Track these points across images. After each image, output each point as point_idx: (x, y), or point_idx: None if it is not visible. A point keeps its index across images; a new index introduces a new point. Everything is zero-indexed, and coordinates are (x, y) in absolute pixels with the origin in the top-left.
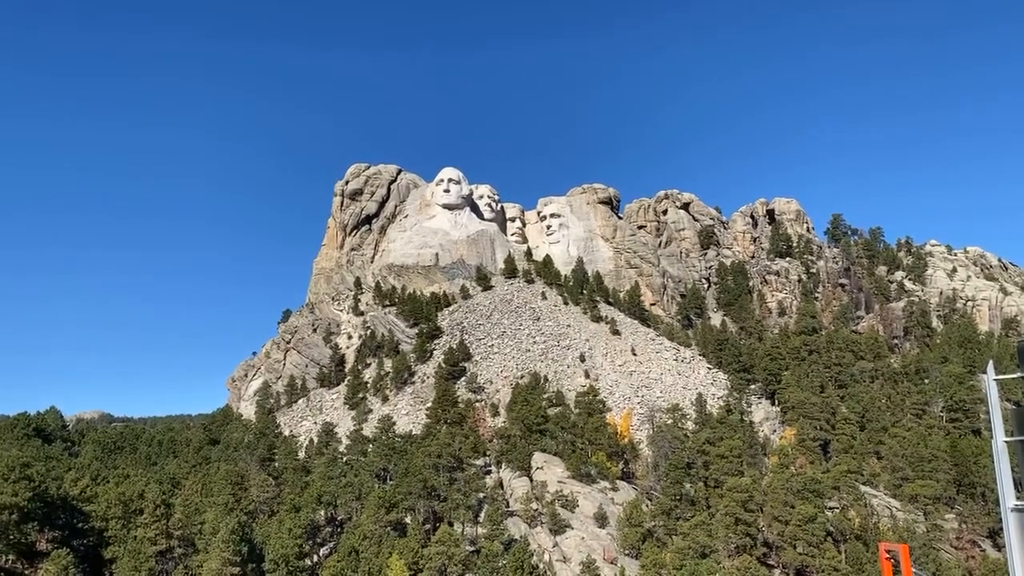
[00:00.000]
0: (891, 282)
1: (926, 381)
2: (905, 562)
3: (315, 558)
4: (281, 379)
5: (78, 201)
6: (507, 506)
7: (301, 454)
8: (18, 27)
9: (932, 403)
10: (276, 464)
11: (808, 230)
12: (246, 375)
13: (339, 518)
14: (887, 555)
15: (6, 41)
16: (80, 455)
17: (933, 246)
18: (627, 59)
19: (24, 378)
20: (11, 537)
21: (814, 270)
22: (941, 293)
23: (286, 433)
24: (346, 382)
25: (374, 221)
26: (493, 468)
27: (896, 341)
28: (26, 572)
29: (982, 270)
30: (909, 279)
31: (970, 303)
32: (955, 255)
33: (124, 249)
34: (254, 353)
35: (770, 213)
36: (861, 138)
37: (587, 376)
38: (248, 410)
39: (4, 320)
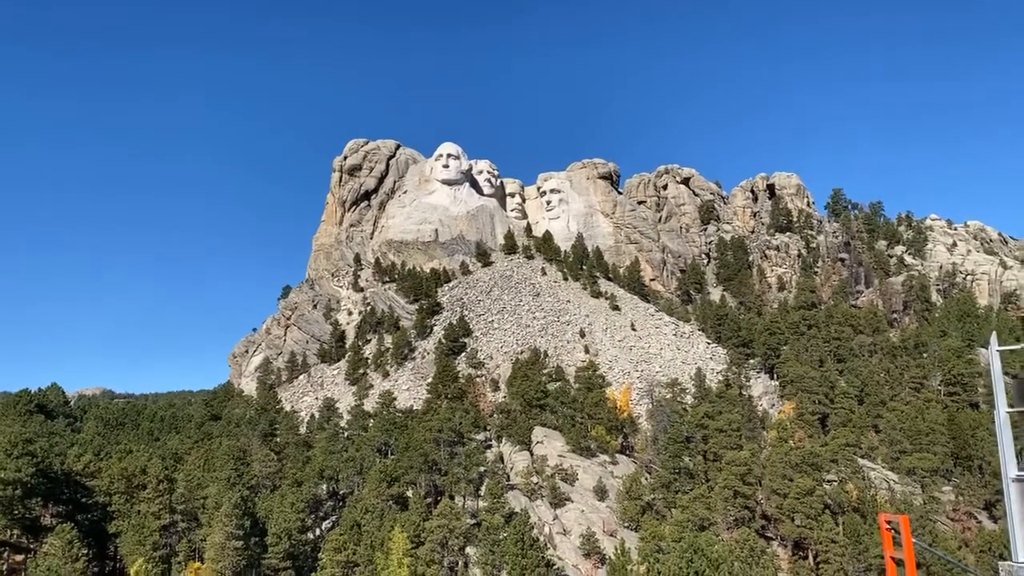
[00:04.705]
0: (891, 256)
1: (925, 355)
2: (906, 533)
3: (317, 532)
4: (282, 355)
5: (75, 178)
6: (508, 480)
7: (302, 429)
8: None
9: (931, 377)
10: (278, 439)
11: (808, 205)
12: (247, 351)
13: (341, 492)
14: (887, 526)
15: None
16: (82, 431)
17: (933, 220)
18: (625, 32)
19: (26, 355)
20: (15, 512)
21: (814, 245)
22: (941, 267)
23: (287, 408)
24: (347, 358)
25: (373, 197)
26: (493, 442)
27: (895, 315)
28: (31, 546)
29: (982, 244)
30: (909, 253)
31: (970, 277)
32: (955, 229)
33: (124, 226)
34: (255, 329)
35: (770, 188)
36: (862, 112)
37: (587, 351)
38: (249, 386)
39: (6, 298)
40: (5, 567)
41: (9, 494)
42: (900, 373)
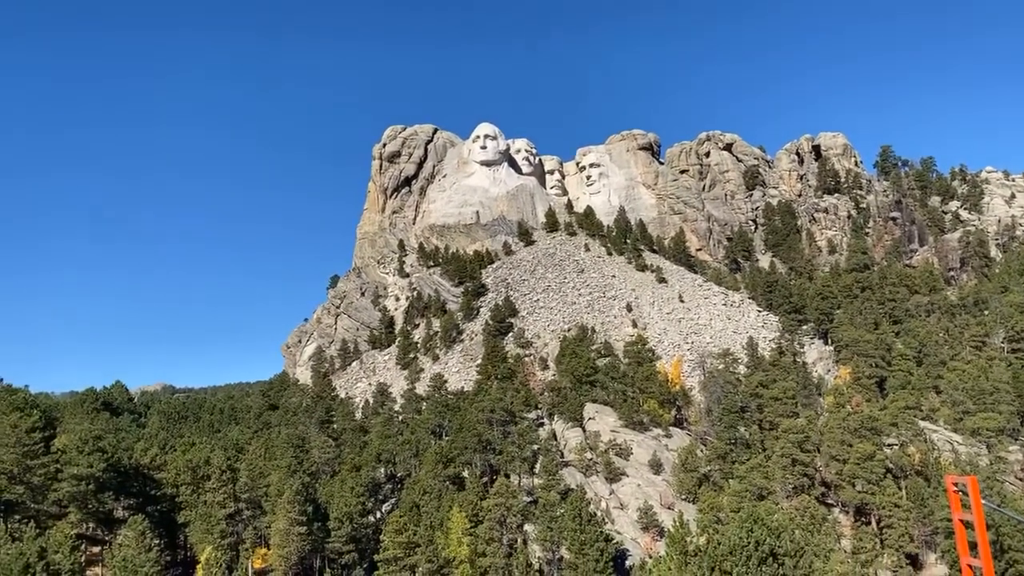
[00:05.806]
0: (945, 213)
1: (985, 312)
2: (974, 494)
3: (377, 515)
4: (334, 343)
5: (126, 164)
6: (561, 457)
7: (358, 415)
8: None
9: (992, 334)
10: (335, 426)
11: (856, 164)
12: (300, 341)
13: (398, 475)
14: (954, 488)
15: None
16: (147, 426)
17: (989, 173)
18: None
19: (90, 355)
20: (90, 506)
21: (864, 205)
22: (999, 221)
23: (342, 395)
24: (397, 343)
25: (413, 182)
26: (546, 420)
27: (952, 273)
28: (106, 538)
29: None
30: (964, 208)
31: None
32: (1013, 180)
33: (174, 226)
34: (306, 319)
35: (816, 149)
36: (908, 65)
37: (635, 325)
38: (304, 375)
39: (70, 304)
40: (83, 559)
41: (83, 489)
42: (960, 332)
